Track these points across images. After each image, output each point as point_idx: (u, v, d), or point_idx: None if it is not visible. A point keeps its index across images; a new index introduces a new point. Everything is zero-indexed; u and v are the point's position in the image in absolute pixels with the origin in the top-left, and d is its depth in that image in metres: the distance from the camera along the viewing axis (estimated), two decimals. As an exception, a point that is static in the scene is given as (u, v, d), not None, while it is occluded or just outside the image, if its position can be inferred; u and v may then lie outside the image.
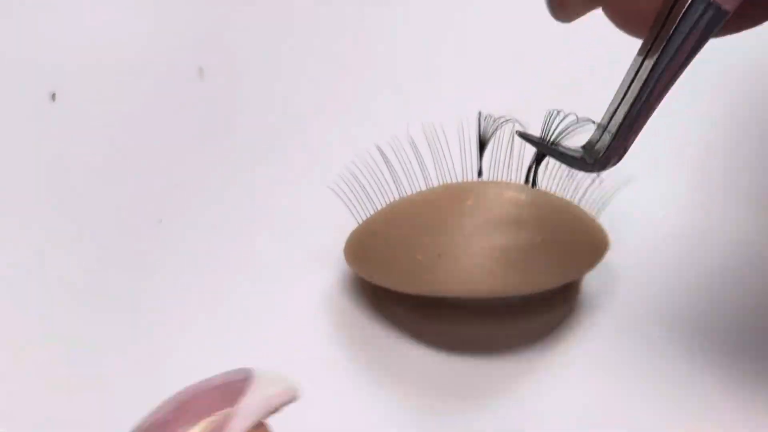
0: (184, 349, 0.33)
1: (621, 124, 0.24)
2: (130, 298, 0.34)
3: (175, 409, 0.23)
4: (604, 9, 0.31)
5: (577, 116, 0.25)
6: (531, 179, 0.28)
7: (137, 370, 0.33)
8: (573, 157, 0.25)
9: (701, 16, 0.23)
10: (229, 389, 0.23)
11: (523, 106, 0.35)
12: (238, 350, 0.33)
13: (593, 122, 0.25)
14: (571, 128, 0.25)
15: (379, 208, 0.32)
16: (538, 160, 0.29)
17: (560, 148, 0.25)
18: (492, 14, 0.36)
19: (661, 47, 0.24)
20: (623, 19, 0.31)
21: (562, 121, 0.25)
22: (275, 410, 0.23)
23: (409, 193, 0.32)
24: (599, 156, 0.24)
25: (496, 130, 0.31)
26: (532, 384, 0.32)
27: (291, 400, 0.24)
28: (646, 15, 0.31)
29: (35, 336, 0.34)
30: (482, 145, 0.31)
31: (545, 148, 0.26)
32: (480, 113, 0.31)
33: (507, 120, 0.31)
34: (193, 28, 0.37)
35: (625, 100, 0.25)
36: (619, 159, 0.25)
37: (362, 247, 0.31)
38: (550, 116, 0.25)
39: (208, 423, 0.23)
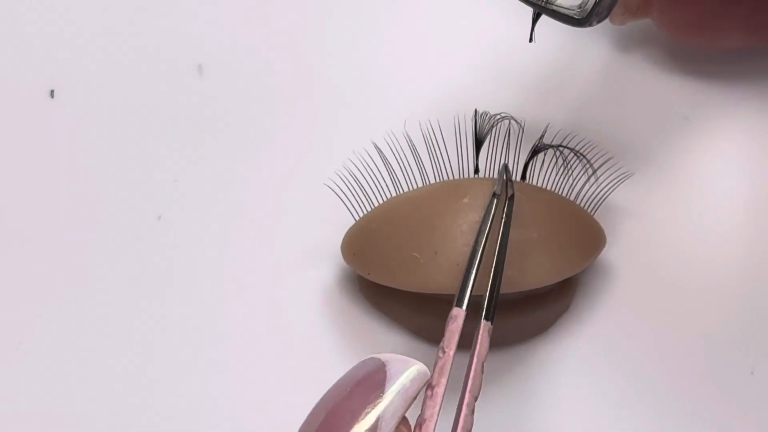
0: (181, 345, 0.33)
1: None
2: (129, 293, 0.34)
3: (326, 419, 0.24)
4: (652, 19, 0.32)
5: None
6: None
7: (135, 367, 0.33)
8: (564, 14, 0.29)
9: None
10: (369, 385, 0.24)
11: (520, 103, 0.35)
12: (236, 346, 0.33)
13: None
14: None
15: (377, 205, 0.32)
16: (535, 152, 0.31)
17: (553, 6, 0.29)
18: (491, 11, 0.36)
19: None
20: (670, 29, 0.32)
21: None
22: (414, 399, 0.24)
23: (406, 190, 0.32)
24: (585, 14, 0.28)
25: (492, 127, 0.31)
26: (527, 380, 0.32)
27: (424, 383, 0.24)
28: (691, 24, 0.32)
29: (32, 331, 0.34)
30: (479, 142, 0.31)
31: (540, 7, 0.29)
32: (476, 110, 0.31)
33: (503, 117, 0.31)
34: (192, 25, 0.37)
35: None
36: (601, 18, 0.28)
37: (359, 244, 0.31)
38: None
39: (362, 426, 0.23)
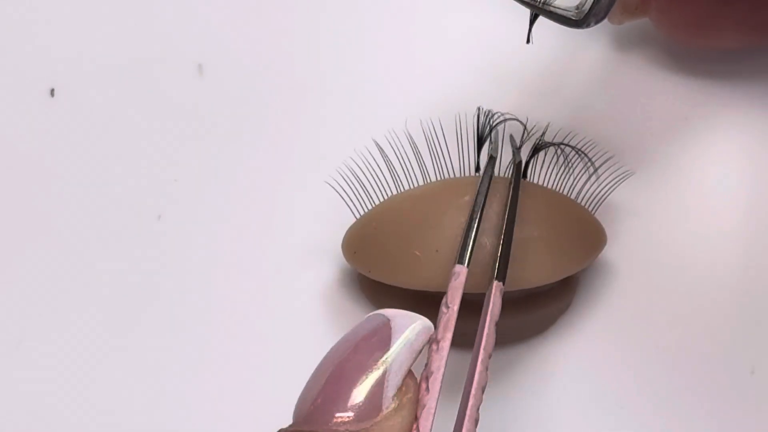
0: (181, 345, 0.33)
1: None
2: (129, 292, 0.34)
3: (334, 373, 0.24)
4: (650, 18, 0.33)
5: None
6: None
7: (135, 367, 0.33)
8: (561, 15, 0.29)
9: None
10: (375, 340, 0.24)
11: (521, 102, 0.35)
12: (236, 345, 0.33)
13: None
14: None
15: (378, 203, 0.32)
16: (536, 150, 0.31)
17: (550, 8, 0.29)
18: (492, 11, 0.36)
19: None
20: (668, 28, 0.33)
21: None
22: (420, 352, 0.25)
23: (407, 188, 0.32)
24: (582, 15, 0.29)
25: (494, 127, 0.31)
26: (528, 379, 0.32)
27: (429, 337, 0.25)
28: (689, 24, 0.33)
29: (32, 331, 0.34)
30: (480, 140, 0.31)
31: (537, 8, 0.29)
32: (479, 108, 0.31)
33: (504, 115, 0.31)
34: (192, 25, 0.37)
35: None
36: (599, 19, 0.29)
37: (360, 242, 0.31)
38: None
39: (369, 380, 0.24)
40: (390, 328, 0.24)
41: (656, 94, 0.35)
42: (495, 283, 0.27)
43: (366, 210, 0.32)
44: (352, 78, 0.36)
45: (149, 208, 0.35)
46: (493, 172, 0.30)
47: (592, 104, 0.35)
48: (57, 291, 0.34)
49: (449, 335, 0.26)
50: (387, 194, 0.32)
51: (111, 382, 0.33)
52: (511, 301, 0.31)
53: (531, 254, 0.30)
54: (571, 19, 0.29)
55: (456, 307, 0.26)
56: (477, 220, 0.29)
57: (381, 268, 0.31)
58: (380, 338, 0.24)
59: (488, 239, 0.30)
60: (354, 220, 0.32)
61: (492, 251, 0.29)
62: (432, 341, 0.26)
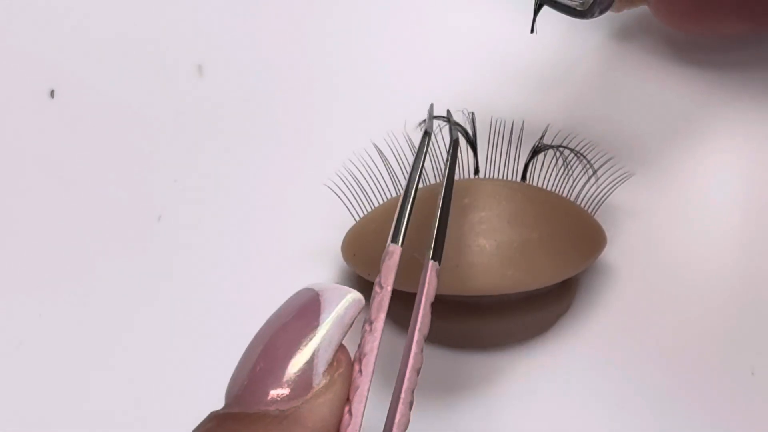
0: (182, 346, 0.33)
1: None
2: (129, 293, 0.34)
3: (263, 352, 0.24)
4: (649, 6, 0.32)
5: None
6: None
7: (135, 367, 0.33)
8: (565, 5, 0.29)
9: None
10: (304, 317, 0.24)
11: (520, 103, 0.35)
12: (236, 347, 0.33)
13: None
14: None
15: (377, 205, 0.32)
16: (535, 152, 0.31)
17: None
18: (491, 13, 0.36)
19: None
20: (666, 16, 0.32)
21: None
22: (350, 326, 0.24)
23: (406, 190, 0.32)
24: (588, 5, 0.28)
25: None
26: (528, 381, 0.32)
27: (359, 311, 0.24)
28: (686, 11, 0.32)
29: (32, 331, 0.34)
30: (473, 144, 0.31)
31: None
32: (473, 113, 0.31)
33: (500, 117, 0.31)
34: (192, 25, 0.37)
35: None
36: (604, 9, 0.29)
37: (360, 244, 0.31)
38: None
39: (300, 357, 0.23)
40: (320, 303, 0.24)
41: (655, 95, 0.35)
42: (431, 262, 0.27)
43: (365, 212, 0.32)
44: (351, 80, 0.36)
45: (149, 209, 0.35)
46: (427, 148, 0.29)
47: (592, 105, 0.35)
48: (57, 291, 0.34)
49: (383, 315, 0.25)
50: (386, 197, 0.32)
51: (111, 382, 0.33)
52: (511, 303, 0.31)
53: (531, 256, 0.30)
54: (575, 9, 0.29)
55: (389, 288, 0.26)
56: (411, 198, 0.27)
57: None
58: (310, 315, 0.24)
59: (486, 241, 0.30)
60: (353, 222, 0.32)
61: (492, 252, 0.29)
62: (366, 321, 0.25)
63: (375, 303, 0.25)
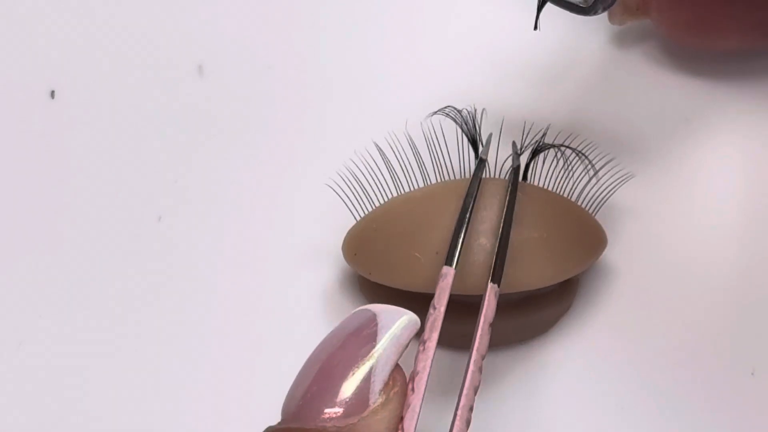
0: (181, 346, 0.33)
1: None
2: (129, 293, 0.34)
3: (321, 370, 0.24)
4: (651, 19, 0.33)
5: None
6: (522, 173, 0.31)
7: (134, 368, 0.33)
8: (569, 2, 0.29)
9: None
10: (361, 336, 0.25)
11: (521, 103, 0.35)
12: (236, 347, 0.33)
13: None
14: None
15: (378, 205, 0.32)
16: (536, 152, 0.31)
17: None
18: (492, 12, 0.36)
19: None
20: (668, 29, 0.33)
21: None
22: (406, 347, 0.25)
23: (407, 190, 0.32)
24: (591, 2, 0.28)
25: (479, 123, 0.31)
26: (528, 381, 0.32)
27: (415, 331, 0.25)
28: (689, 24, 0.33)
29: (32, 331, 0.34)
30: (474, 142, 0.31)
31: None
32: (475, 111, 0.31)
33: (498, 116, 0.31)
34: (192, 25, 0.37)
35: None
36: (606, 6, 0.28)
37: (360, 244, 0.31)
38: None
39: (357, 376, 0.24)
40: (376, 324, 0.25)
41: (657, 95, 0.35)
42: (490, 285, 0.28)
43: (366, 212, 0.32)
44: (352, 79, 0.36)
45: (149, 210, 0.35)
46: (482, 174, 0.30)
47: (593, 106, 0.35)
48: (57, 292, 0.34)
49: (436, 335, 0.26)
50: (387, 196, 0.32)
51: (111, 382, 0.33)
52: (511, 303, 0.31)
53: (531, 256, 0.30)
54: (578, 5, 0.29)
55: (443, 308, 0.27)
56: (466, 222, 0.29)
57: (381, 269, 0.31)
58: (367, 333, 0.25)
59: (488, 241, 0.30)
60: (354, 221, 0.32)
61: (492, 252, 0.29)
62: (420, 342, 0.26)
63: (429, 323, 0.26)
